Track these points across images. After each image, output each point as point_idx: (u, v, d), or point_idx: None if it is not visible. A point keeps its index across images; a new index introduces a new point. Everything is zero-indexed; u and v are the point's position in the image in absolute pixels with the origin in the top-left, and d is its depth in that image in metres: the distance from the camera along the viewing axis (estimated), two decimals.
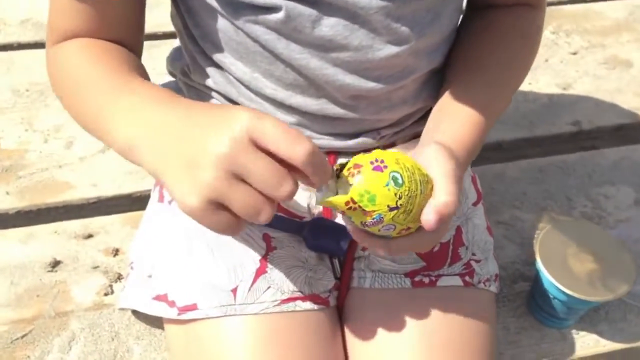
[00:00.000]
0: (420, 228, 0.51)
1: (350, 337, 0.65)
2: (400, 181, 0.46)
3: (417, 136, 0.71)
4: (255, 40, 0.58)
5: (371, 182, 0.46)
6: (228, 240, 0.64)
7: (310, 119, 0.64)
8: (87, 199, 0.91)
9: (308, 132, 0.65)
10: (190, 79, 0.68)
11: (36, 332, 0.74)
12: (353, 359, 0.65)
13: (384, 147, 0.70)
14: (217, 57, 0.62)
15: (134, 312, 0.76)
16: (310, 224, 0.66)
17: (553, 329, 0.78)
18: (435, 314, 0.64)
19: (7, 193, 0.90)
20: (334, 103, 0.63)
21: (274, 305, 0.61)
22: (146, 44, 0.65)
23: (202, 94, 0.68)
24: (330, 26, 0.56)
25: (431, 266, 0.66)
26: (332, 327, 0.65)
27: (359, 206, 0.46)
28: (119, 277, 0.80)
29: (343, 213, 0.48)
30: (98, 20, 0.58)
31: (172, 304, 0.63)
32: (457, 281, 0.66)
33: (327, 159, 0.44)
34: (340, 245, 0.66)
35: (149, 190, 0.77)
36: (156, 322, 0.75)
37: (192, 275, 0.63)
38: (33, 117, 1.03)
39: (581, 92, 1.14)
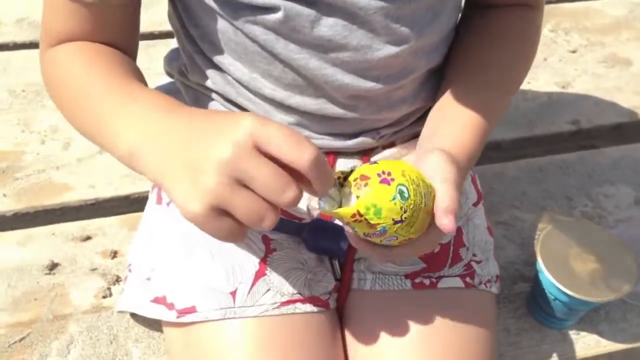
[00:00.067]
0: (420, 236, 0.51)
1: (350, 339, 0.65)
2: (406, 195, 0.46)
3: (416, 136, 0.70)
4: (254, 41, 0.58)
5: (378, 196, 0.46)
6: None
7: (309, 119, 0.64)
8: (85, 201, 0.91)
9: (307, 132, 0.65)
10: (187, 79, 0.67)
11: (34, 335, 0.74)
12: (353, 359, 0.64)
13: (383, 147, 0.70)
14: (216, 57, 0.61)
15: (133, 315, 0.75)
16: (309, 225, 0.65)
17: (553, 330, 0.78)
18: (435, 315, 0.63)
19: (4, 195, 0.90)
20: (333, 103, 0.62)
21: (274, 308, 0.61)
22: (143, 43, 0.65)
23: (199, 94, 0.67)
24: (329, 26, 0.56)
25: (432, 267, 0.66)
26: (332, 329, 0.64)
27: (365, 219, 0.46)
28: (118, 280, 0.79)
29: (347, 224, 0.47)
30: (93, 22, 0.57)
31: (171, 306, 0.62)
32: (458, 282, 0.66)
33: (329, 164, 0.44)
34: (340, 247, 0.65)
35: (147, 192, 0.76)
36: (155, 325, 0.74)
37: (191, 277, 0.63)
38: (30, 118, 1.02)
39: (580, 91, 1.14)
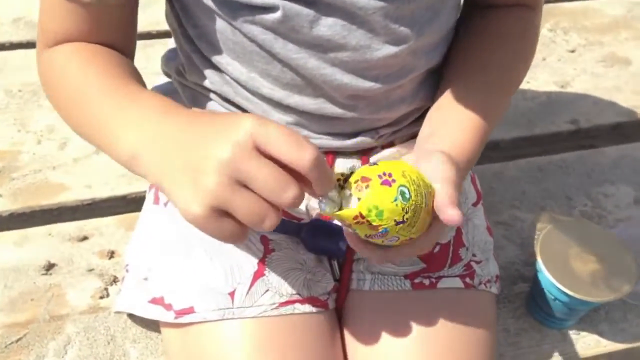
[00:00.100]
0: (420, 236, 0.50)
1: (349, 340, 0.64)
2: (407, 196, 0.46)
3: (415, 135, 0.69)
4: (252, 40, 0.57)
5: (379, 197, 0.46)
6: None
7: (308, 119, 0.63)
8: (82, 201, 0.90)
9: (306, 132, 0.64)
10: (185, 79, 0.67)
11: (31, 336, 0.73)
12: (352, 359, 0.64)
13: (382, 147, 0.69)
14: (213, 56, 0.61)
15: (130, 316, 0.75)
16: (308, 225, 0.65)
17: (553, 330, 0.78)
18: (435, 316, 0.63)
19: (0, 195, 0.89)
20: (332, 103, 0.62)
21: (272, 309, 0.60)
22: (140, 43, 0.65)
23: (197, 94, 0.67)
24: (328, 26, 0.56)
25: (431, 268, 0.65)
26: (331, 330, 0.64)
27: (367, 220, 0.46)
28: (115, 280, 0.79)
29: (348, 225, 0.47)
30: (90, 22, 0.57)
31: (168, 307, 0.62)
32: (458, 283, 0.65)
33: (328, 165, 0.44)
34: (339, 247, 0.65)
35: (144, 192, 0.76)
36: (153, 326, 0.74)
37: (189, 278, 0.62)
38: (26, 117, 1.02)
39: (579, 90, 1.13)
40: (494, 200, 0.92)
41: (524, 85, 1.12)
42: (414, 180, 0.47)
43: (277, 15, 0.54)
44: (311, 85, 0.60)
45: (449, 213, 0.48)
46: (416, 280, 0.65)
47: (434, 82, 0.67)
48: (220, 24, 0.58)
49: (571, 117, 1.08)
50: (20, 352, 0.71)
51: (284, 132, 0.41)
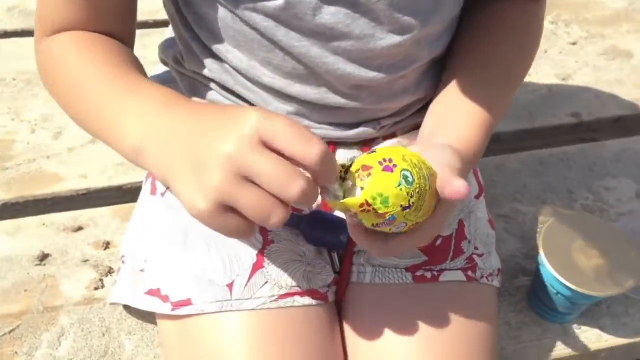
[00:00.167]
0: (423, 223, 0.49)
1: (349, 333, 0.63)
2: (410, 179, 0.45)
3: (417, 127, 0.69)
4: (254, 28, 0.56)
5: (383, 184, 0.45)
6: None
7: (309, 109, 0.62)
8: (77, 191, 0.89)
9: (307, 122, 0.63)
10: (183, 68, 0.66)
11: (24, 327, 0.72)
12: (352, 355, 0.63)
13: (384, 138, 0.68)
14: (213, 44, 0.60)
15: (126, 307, 0.74)
16: (308, 217, 0.64)
17: (555, 324, 0.77)
18: (436, 310, 0.62)
19: None
20: (334, 92, 0.61)
21: (272, 301, 0.59)
22: (138, 32, 0.64)
23: (196, 82, 0.66)
24: (331, 14, 0.55)
25: (433, 261, 0.64)
26: (330, 323, 0.63)
27: (373, 208, 0.45)
28: (110, 271, 0.78)
29: (354, 215, 0.46)
30: (89, 10, 0.56)
31: (165, 299, 0.61)
32: (460, 276, 0.64)
33: (335, 159, 0.43)
34: (340, 239, 0.64)
35: (141, 182, 0.75)
36: (149, 317, 0.73)
37: (187, 269, 0.61)
38: (20, 107, 1.01)
39: (581, 83, 1.13)
40: (495, 193, 0.91)
41: (525, 78, 1.11)
42: (415, 164, 0.46)
43: (280, 2, 0.53)
44: (313, 74, 0.59)
45: (455, 184, 0.46)
46: (418, 274, 0.64)
47: (437, 73, 0.66)
48: (221, 11, 0.57)
49: (573, 110, 1.07)
50: (14, 344, 0.70)
51: (291, 126, 0.40)
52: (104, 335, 0.72)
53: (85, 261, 0.79)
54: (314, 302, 0.61)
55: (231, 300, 0.59)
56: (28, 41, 1.13)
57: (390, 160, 0.46)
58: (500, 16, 0.65)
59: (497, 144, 1.03)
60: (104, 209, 0.85)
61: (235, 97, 0.63)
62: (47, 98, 1.00)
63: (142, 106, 0.49)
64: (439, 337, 0.60)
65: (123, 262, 0.67)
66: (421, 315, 0.61)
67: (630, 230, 0.84)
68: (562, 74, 1.14)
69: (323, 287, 0.63)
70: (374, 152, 0.47)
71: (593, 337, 0.76)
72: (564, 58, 1.18)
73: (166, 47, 0.68)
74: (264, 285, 0.60)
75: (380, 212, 0.45)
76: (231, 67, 0.61)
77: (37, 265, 0.78)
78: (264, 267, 0.61)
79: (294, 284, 0.61)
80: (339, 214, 0.64)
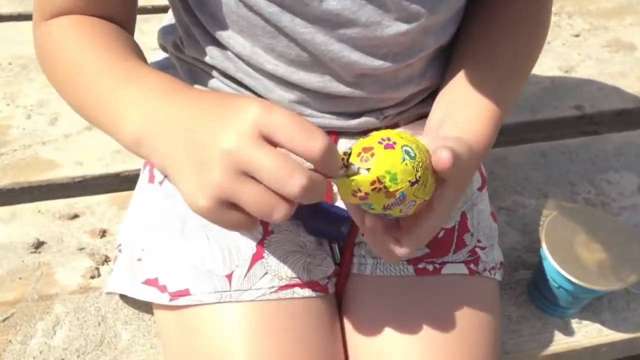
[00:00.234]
0: (423, 213, 0.49)
1: (349, 325, 0.63)
2: (412, 154, 0.45)
3: (420, 117, 0.68)
4: (258, 13, 0.55)
5: (389, 161, 0.44)
6: None
7: (312, 97, 0.61)
8: (72, 178, 0.88)
9: (309, 111, 0.62)
10: (183, 54, 0.65)
11: (18, 315, 0.71)
12: (352, 347, 0.62)
13: (386, 128, 0.67)
14: (214, 30, 0.58)
15: (122, 296, 0.73)
16: (309, 207, 0.63)
17: (555, 318, 0.76)
18: (438, 302, 0.61)
19: None
20: (338, 81, 0.59)
21: (271, 292, 0.58)
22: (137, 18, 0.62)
23: (196, 69, 0.64)
24: (337, 0, 0.53)
25: (435, 253, 0.63)
26: (330, 315, 0.62)
27: (384, 186, 0.44)
28: (106, 260, 0.76)
29: (364, 198, 0.45)
30: None
31: (163, 288, 0.60)
32: (462, 269, 0.63)
33: (337, 150, 0.42)
34: (341, 230, 0.63)
35: (138, 170, 0.74)
36: (145, 307, 0.72)
37: (185, 259, 0.60)
38: (15, 92, 0.99)
39: (583, 76, 1.12)
40: (497, 186, 0.90)
41: (532, 69, 1.10)
42: (411, 140, 0.47)
43: None
44: (317, 62, 0.58)
45: (438, 153, 0.45)
46: (419, 266, 0.63)
47: (442, 63, 0.65)
48: None
49: (575, 102, 1.06)
50: (8, 332, 0.69)
51: (291, 120, 0.40)
52: (99, 324, 0.71)
53: (81, 249, 0.77)
54: (314, 293, 0.60)
55: (230, 291, 0.58)
56: (24, 25, 1.11)
57: (389, 139, 0.45)
58: (509, 6, 0.64)
59: (498, 135, 1.00)
60: (101, 197, 0.84)
61: (237, 84, 0.62)
62: (43, 83, 0.99)
63: (142, 92, 0.48)
64: (441, 331, 0.59)
65: (120, 250, 0.66)
66: (423, 308, 0.60)
67: (633, 224, 0.84)
68: (564, 66, 1.13)
69: (323, 279, 0.62)
70: (369, 136, 0.47)
71: (594, 332, 0.76)
72: (566, 50, 1.17)
73: (165, 33, 0.67)
74: (263, 276, 0.59)
75: (390, 190, 0.44)
76: (233, 53, 0.59)
77: (32, 252, 0.76)
78: (263, 257, 0.60)
79: (294, 275, 0.60)
80: (340, 204, 0.63)
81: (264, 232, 0.61)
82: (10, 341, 0.68)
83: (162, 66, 0.70)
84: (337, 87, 0.60)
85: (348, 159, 0.46)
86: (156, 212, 0.64)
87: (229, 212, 0.41)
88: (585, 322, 0.77)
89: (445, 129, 0.56)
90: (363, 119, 0.64)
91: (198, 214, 0.42)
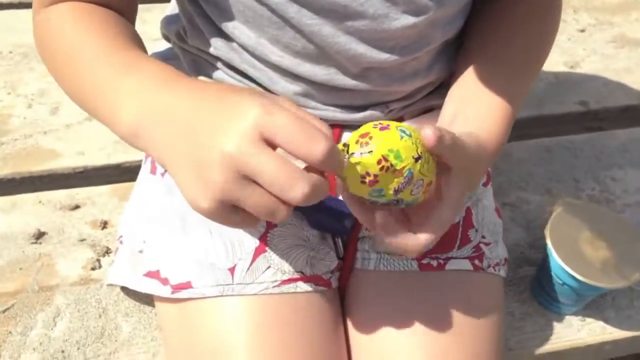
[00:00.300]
0: (432, 203, 0.48)
1: (352, 320, 0.62)
2: (407, 132, 0.45)
3: (426, 111, 0.67)
4: (264, 4, 0.54)
5: (388, 140, 0.44)
6: None
7: (317, 89, 0.60)
8: (74, 168, 0.87)
9: (313, 103, 0.61)
10: (186, 44, 0.64)
11: (18, 306, 0.70)
12: (355, 342, 0.62)
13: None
14: (219, 19, 0.57)
15: (123, 288, 0.72)
16: None
17: (558, 315, 0.76)
18: (442, 298, 0.61)
19: None
20: (344, 73, 0.59)
21: (274, 286, 0.58)
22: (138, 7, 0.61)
23: (199, 60, 0.63)
24: None
25: (440, 249, 0.63)
26: (333, 309, 0.61)
27: (391, 164, 0.44)
28: (107, 251, 0.76)
29: (374, 181, 0.44)
30: None
31: (164, 281, 0.59)
32: (467, 265, 0.63)
33: (339, 151, 0.41)
34: (344, 224, 0.62)
35: (140, 161, 0.73)
36: (146, 299, 0.72)
37: (187, 251, 0.59)
38: (16, 80, 0.98)
39: (589, 71, 1.11)
40: (501, 181, 0.89)
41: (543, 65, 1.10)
42: (401, 124, 0.46)
43: None
44: (323, 54, 0.57)
45: (426, 131, 0.44)
46: (423, 261, 0.62)
47: (449, 56, 0.64)
48: None
49: (580, 98, 1.05)
50: (8, 323, 0.69)
51: (292, 122, 0.39)
52: (100, 316, 0.71)
53: (82, 240, 0.77)
54: (317, 288, 0.60)
55: (232, 284, 0.57)
56: (25, 13, 1.10)
57: (381, 123, 0.46)
58: (519, 1, 0.63)
59: None
60: (102, 187, 0.84)
61: (241, 75, 0.61)
62: (44, 72, 0.98)
63: (141, 82, 0.47)
64: (444, 327, 0.59)
65: (121, 242, 0.66)
66: (426, 304, 0.60)
67: (637, 221, 0.83)
68: (570, 61, 1.12)
69: (326, 273, 0.61)
70: (361, 126, 0.47)
71: (597, 329, 0.75)
72: (572, 45, 1.16)
73: (168, 23, 0.66)
74: (266, 269, 0.58)
75: (397, 168, 0.44)
76: (238, 44, 0.59)
77: (32, 243, 0.76)
78: (266, 251, 0.59)
79: (297, 269, 0.59)
80: (347, 203, 0.62)
81: (267, 226, 0.60)
82: (10, 332, 0.68)
83: (165, 57, 0.69)
84: (342, 80, 0.59)
85: (348, 149, 0.45)
86: (158, 204, 0.64)
87: (230, 212, 0.41)
88: (588, 320, 0.76)
89: (457, 124, 0.55)
90: (368, 112, 0.63)
91: (199, 213, 0.42)
